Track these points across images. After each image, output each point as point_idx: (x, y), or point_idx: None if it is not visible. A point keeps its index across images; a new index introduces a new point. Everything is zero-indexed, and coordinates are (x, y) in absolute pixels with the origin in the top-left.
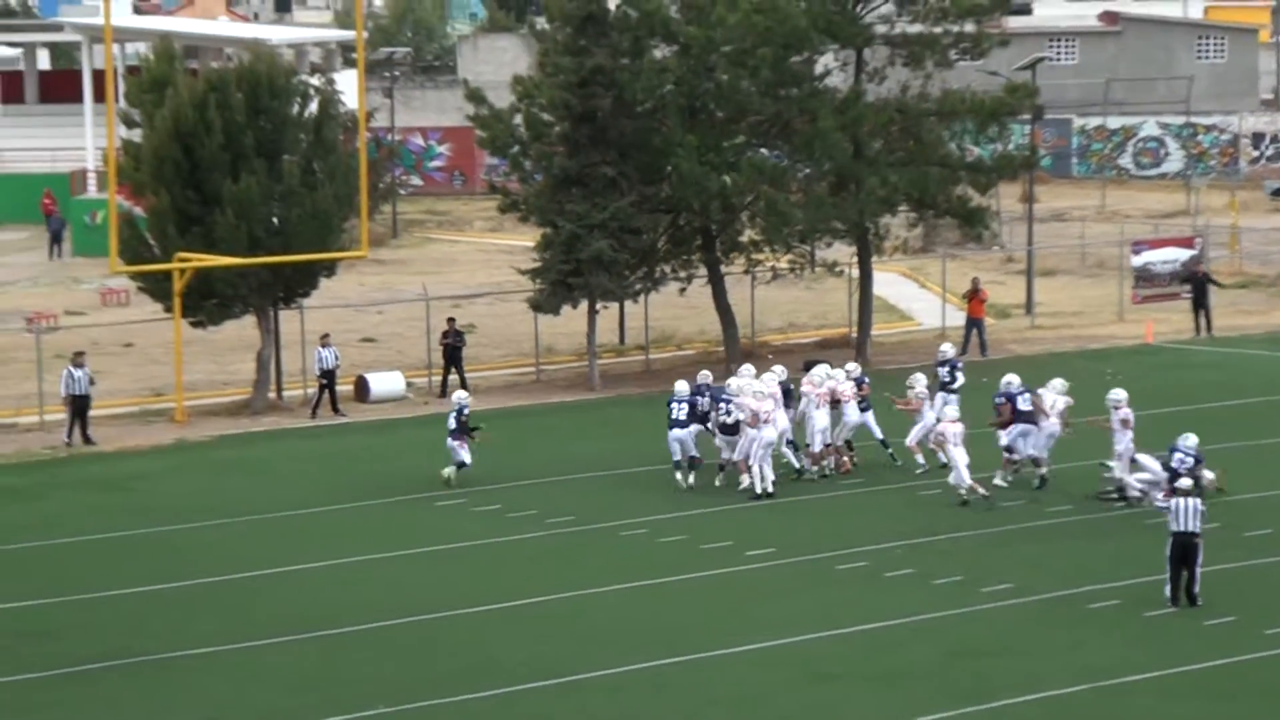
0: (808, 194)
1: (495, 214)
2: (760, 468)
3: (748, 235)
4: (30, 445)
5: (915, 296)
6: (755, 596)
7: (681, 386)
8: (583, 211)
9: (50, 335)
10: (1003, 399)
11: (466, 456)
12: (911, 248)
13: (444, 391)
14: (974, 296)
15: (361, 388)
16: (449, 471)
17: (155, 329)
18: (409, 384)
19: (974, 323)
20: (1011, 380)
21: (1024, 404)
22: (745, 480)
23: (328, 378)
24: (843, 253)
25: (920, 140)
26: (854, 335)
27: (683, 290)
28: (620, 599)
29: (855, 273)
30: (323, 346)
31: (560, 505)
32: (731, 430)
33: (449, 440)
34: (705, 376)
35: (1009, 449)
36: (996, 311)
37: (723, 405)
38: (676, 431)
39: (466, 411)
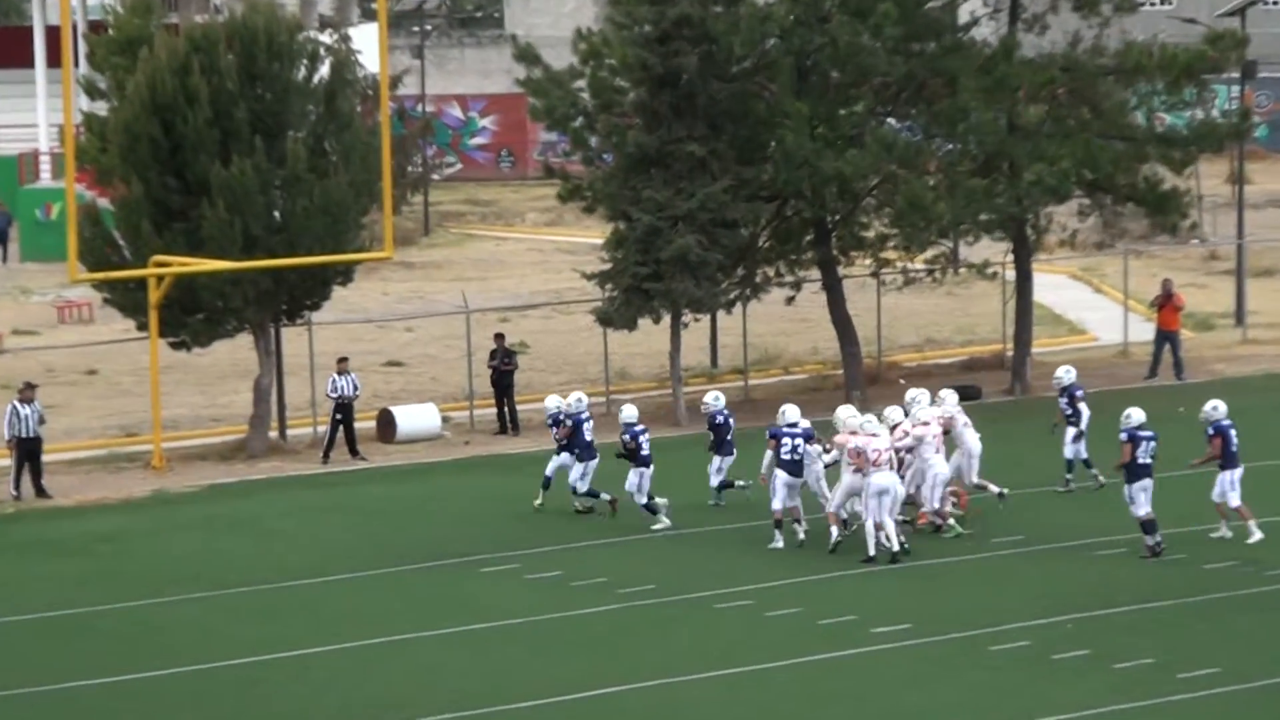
0: (950, 177)
1: (553, 204)
2: (885, 522)
3: (873, 229)
4: None
5: (1089, 304)
6: (890, 684)
7: (792, 412)
8: (664, 200)
9: None
10: (1214, 432)
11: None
12: (1084, 243)
13: (502, 427)
14: (1166, 303)
15: (386, 424)
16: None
17: (126, 352)
18: (445, 419)
19: (1166, 336)
20: (1218, 407)
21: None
22: (835, 534)
23: (344, 412)
24: (994, 250)
25: (1094, 107)
26: (1009, 354)
27: (790, 299)
28: (719, 691)
29: (1010, 275)
30: (339, 374)
31: (637, 571)
32: (796, 470)
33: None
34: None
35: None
36: (1195, 322)
37: (786, 441)
38: (785, 476)
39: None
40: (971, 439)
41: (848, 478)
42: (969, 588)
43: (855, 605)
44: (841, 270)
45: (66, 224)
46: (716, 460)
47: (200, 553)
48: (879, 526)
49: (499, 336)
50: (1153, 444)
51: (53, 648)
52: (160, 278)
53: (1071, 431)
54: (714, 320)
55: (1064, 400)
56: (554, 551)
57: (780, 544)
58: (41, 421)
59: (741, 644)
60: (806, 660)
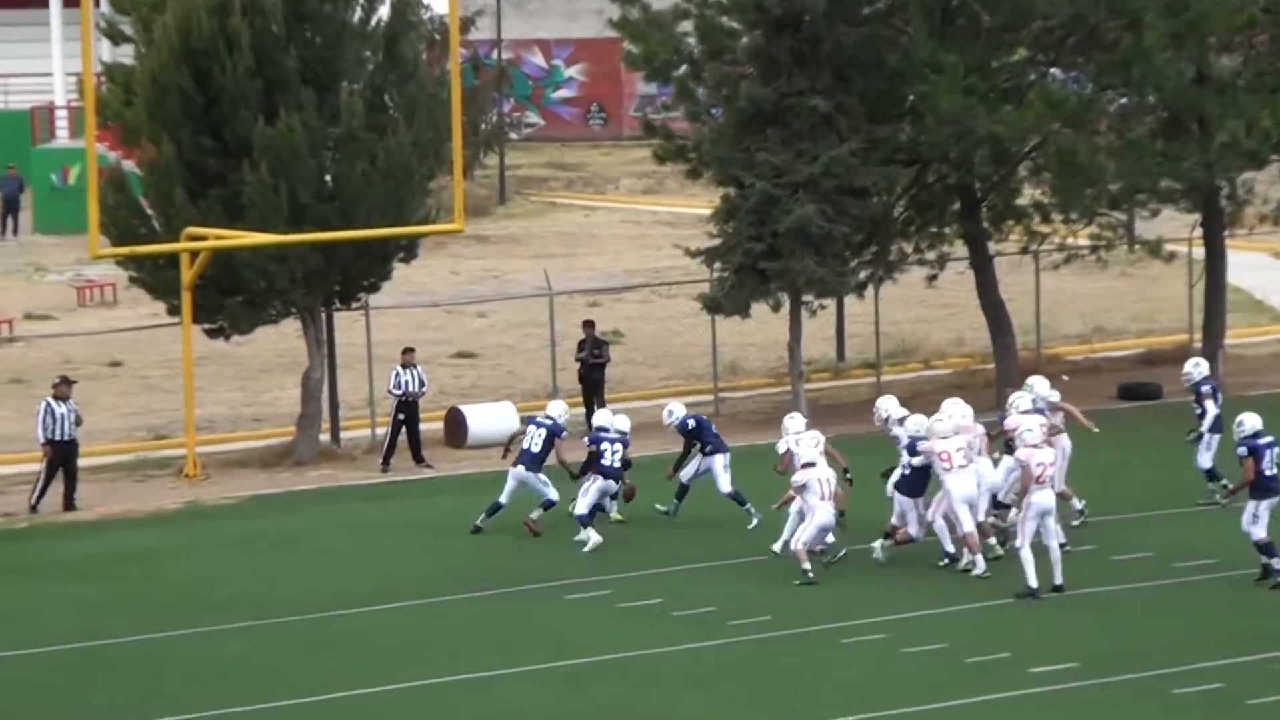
0: (1125, 138)
1: (651, 168)
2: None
3: (1030, 197)
4: None
5: None
6: None
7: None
8: (782, 163)
9: (3, 349)
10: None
11: (553, 493)
12: None
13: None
14: None
15: (455, 426)
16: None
17: (155, 340)
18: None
19: None
20: (1242, 423)
21: None
22: (967, 559)
23: (407, 411)
24: (1177, 224)
25: None
26: (1197, 346)
27: (932, 279)
28: None
29: (1199, 253)
30: (403, 366)
31: (749, 599)
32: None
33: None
34: (888, 405)
35: None
36: None
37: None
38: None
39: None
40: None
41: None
42: (1140, 620)
43: (1008, 641)
44: (993, 246)
45: (86, 190)
46: (720, 459)
47: (241, 575)
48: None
49: (588, 324)
50: (1275, 450)
51: (71, 685)
52: (194, 253)
53: (1204, 438)
54: (840, 305)
55: (1194, 399)
56: (652, 576)
57: (880, 554)
58: (78, 422)
59: (874, 685)
60: (953, 705)
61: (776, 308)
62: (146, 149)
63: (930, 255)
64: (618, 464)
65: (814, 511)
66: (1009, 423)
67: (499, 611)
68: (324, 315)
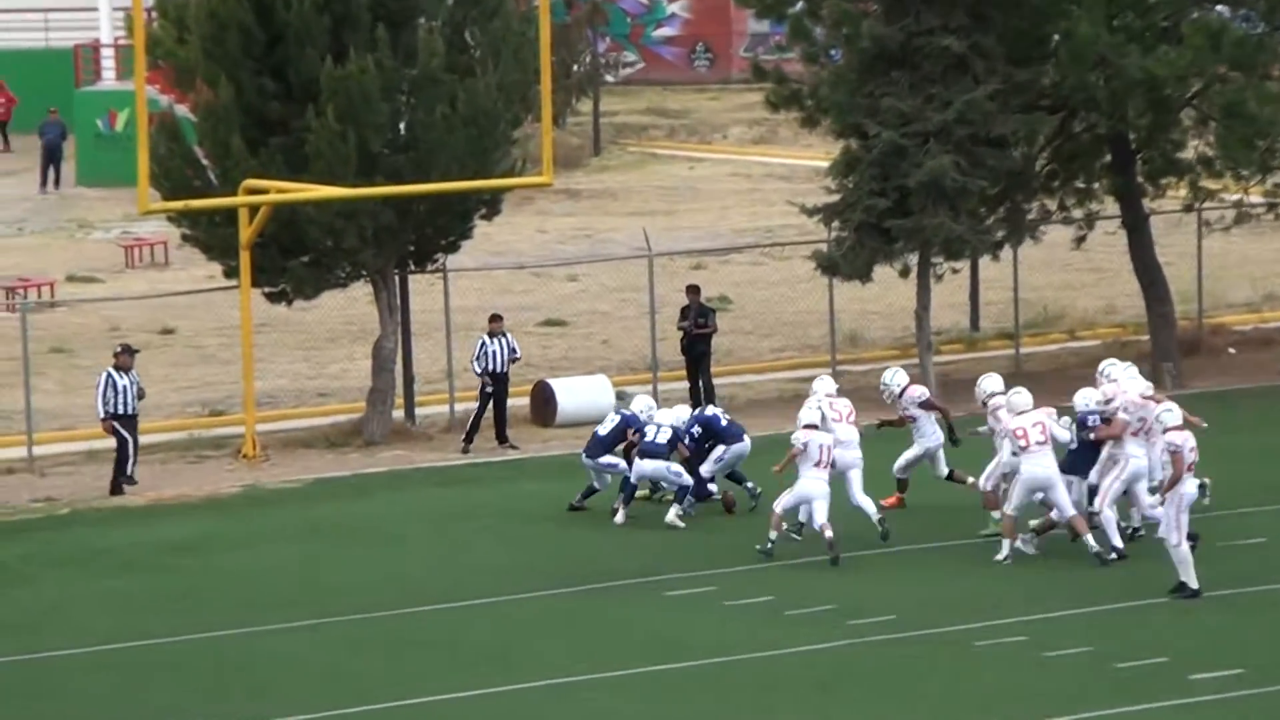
0: None
1: (763, 115)
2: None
3: (1192, 150)
4: (11, 494)
5: None
6: None
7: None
8: (910, 110)
9: (42, 315)
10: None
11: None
12: None
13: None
14: None
15: (544, 403)
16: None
17: (210, 305)
18: (620, 396)
19: None
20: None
21: None
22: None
23: (497, 386)
24: None
25: None
26: None
27: (1079, 241)
28: None
29: None
30: (489, 335)
31: (870, 596)
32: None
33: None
34: (990, 384)
35: None
36: None
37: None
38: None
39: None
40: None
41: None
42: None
43: (1164, 644)
44: (1148, 204)
45: (134, 138)
46: (720, 449)
47: (303, 568)
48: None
49: (693, 289)
50: None
51: (119, 688)
52: (254, 208)
53: None
54: (975, 269)
55: None
56: (760, 571)
57: (1007, 555)
58: (140, 395)
59: (1011, 693)
60: (1101, 716)
61: (905, 272)
62: (202, 92)
63: (1077, 213)
64: (662, 441)
65: (800, 480)
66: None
67: (590, 610)
68: (397, 278)
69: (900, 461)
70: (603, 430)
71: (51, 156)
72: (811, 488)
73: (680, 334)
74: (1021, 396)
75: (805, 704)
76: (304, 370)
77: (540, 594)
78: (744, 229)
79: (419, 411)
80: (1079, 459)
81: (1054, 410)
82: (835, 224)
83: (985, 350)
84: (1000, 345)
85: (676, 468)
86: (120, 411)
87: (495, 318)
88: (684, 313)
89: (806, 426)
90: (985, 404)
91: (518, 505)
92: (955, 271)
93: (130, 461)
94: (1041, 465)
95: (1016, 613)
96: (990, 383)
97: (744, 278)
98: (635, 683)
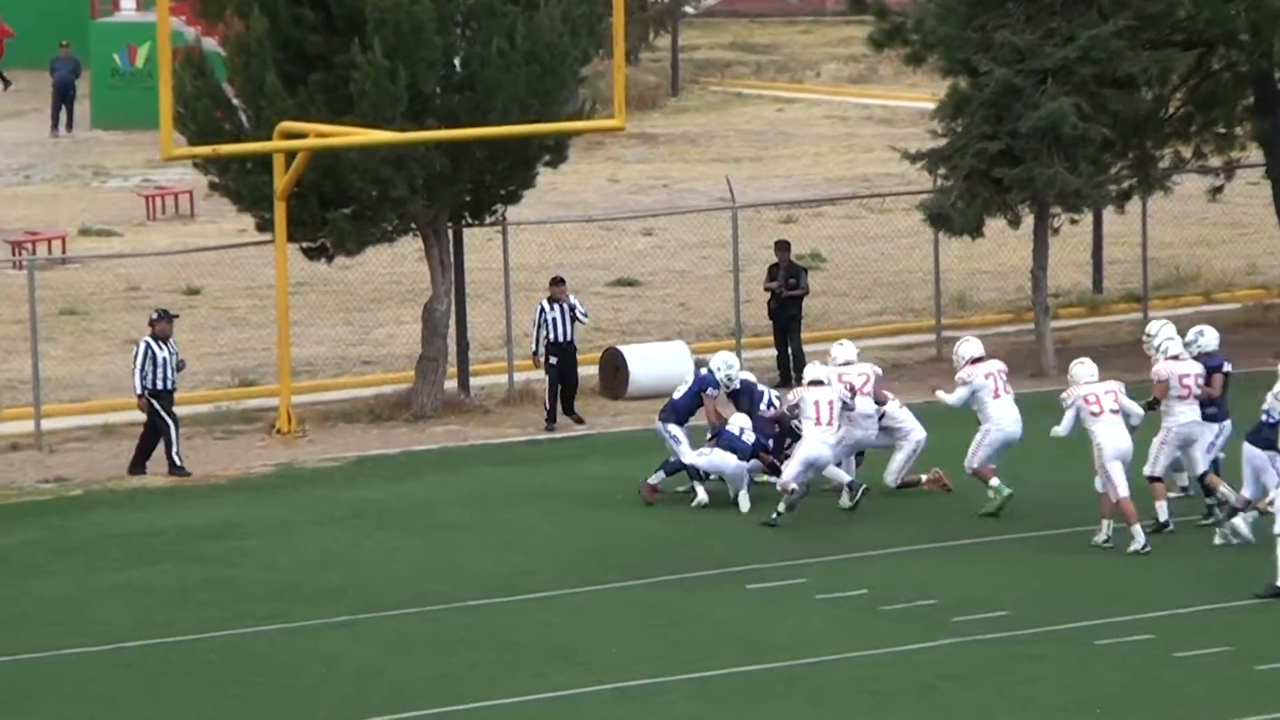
0: None
1: (862, 51)
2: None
3: None
4: (18, 473)
5: None
6: None
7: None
8: (1027, 45)
9: (52, 273)
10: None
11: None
12: None
13: (784, 376)
14: None
15: (613, 372)
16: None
17: (241, 262)
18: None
19: None
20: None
21: None
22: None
23: (560, 356)
24: None
25: None
26: None
27: (1216, 191)
28: None
29: None
30: (550, 301)
31: (978, 589)
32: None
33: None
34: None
35: None
36: None
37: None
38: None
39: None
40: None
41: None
42: None
43: None
44: None
45: (156, 75)
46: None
47: (344, 557)
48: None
49: (782, 246)
50: None
51: (140, 690)
52: (290, 154)
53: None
54: (1098, 223)
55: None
56: (855, 561)
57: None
58: (181, 367)
59: (1139, 699)
60: None
61: (1016, 224)
62: (232, 23)
63: (1214, 161)
64: (748, 441)
65: (802, 441)
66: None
67: (664, 604)
68: (450, 232)
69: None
70: (678, 394)
71: (63, 96)
72: (814, 449)
73: (768, 296)
74: (1085, 367)
75: (908, 710)
76: (346, 335)
77: (608, 586)
78: (839, 178)
79: (474, 382)
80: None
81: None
82: (941, 172)
83: (1109, 314)
84: (1126, 309)
85: (677, 434)
86: (160, 387)
87: (557, 281)
88: (772, 272)
89: (811, 383)
90: (1154, 351)
91: (584, 487)
92: (1074, 223)
93: (176, 445)
94: (1119, 434)
95: (1142, 608)
96: (967, 347)
97: (839, 232)
98: (715, 685)
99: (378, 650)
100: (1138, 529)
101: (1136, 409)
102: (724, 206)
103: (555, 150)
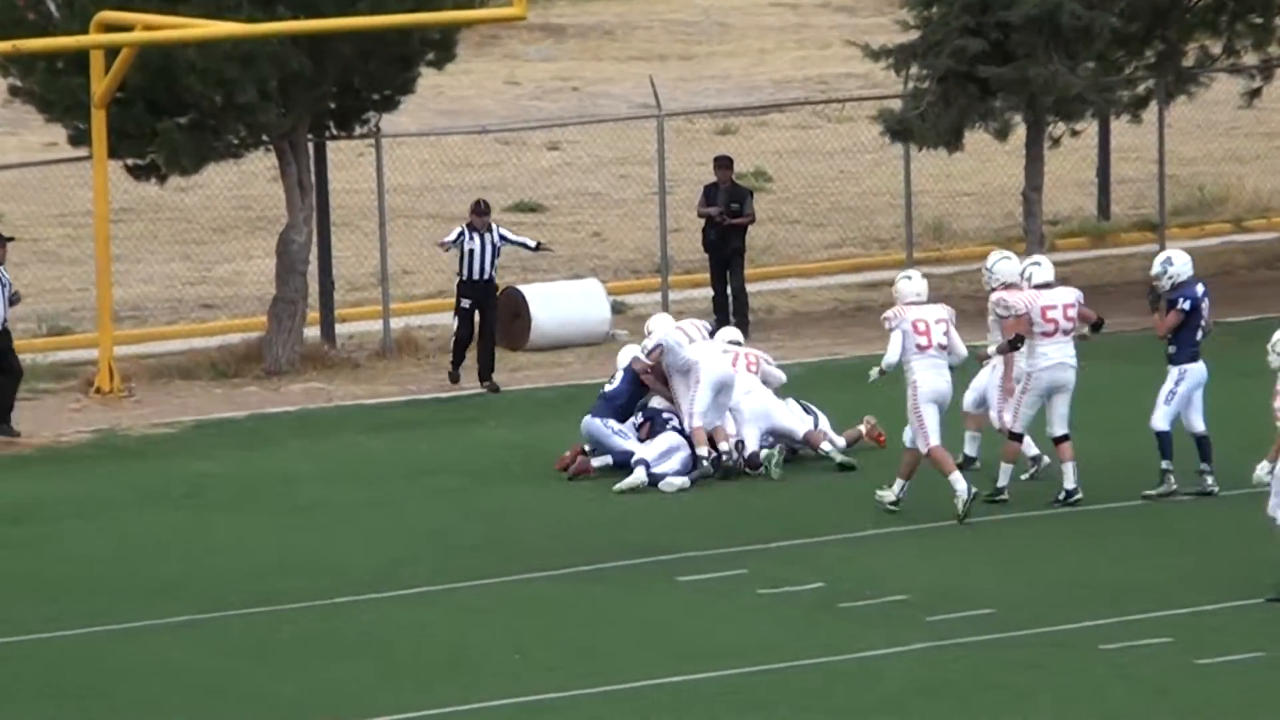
0: None
1: None
2: None
3: None
4: None
5: None
6: None
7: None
8: None
9: None
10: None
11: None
12: None
13: (724, 320)
14: None
15: (513, 318)
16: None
17: (50, 185)
18: (618, 309)
19: None
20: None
21: None
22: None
23: (475, 297)
24: None
25: None
26: None
27: (1252, 96)
28: None
29: None
30: (470, 229)
31: (956, 583)
32: None
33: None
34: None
35: None
36: None
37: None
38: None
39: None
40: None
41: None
42: None
43: None
44: None
45: None
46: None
47: (184, 544)
48: None
49: (723, 163)
50: None
51: None
52: (112, 51)
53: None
54: (1104, 135)
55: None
56: (806, 548)
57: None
58: (14, 300)
59: (1154, 712)
60: None
61: (1004, 135)
62: None
63: (1249, 59)
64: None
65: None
66: None
67: (576, 601)
68: (312, 147)
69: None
70: (610, 385)
71: None
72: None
73: (704, 224)
74: (912, 283)
75: None
76: (182, 273)
77: (507, 579)
78: (788, 79)
79: (340, 329)
80: None
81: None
82: (913, 72)
83: (1117, 245)
84: (1138, 239)
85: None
86: None
87: (480, 208)
88: (709, 194)
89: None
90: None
91: (477, 459)
92: (1075, 134)
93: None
94: (940, 374)
95: (1155, 605)
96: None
97: (788, 146)
98: (639, 700)
99: (223, 658)
100: (957, 479)
101: (961, 347)
102: (647, 114)
103: (440, 46)
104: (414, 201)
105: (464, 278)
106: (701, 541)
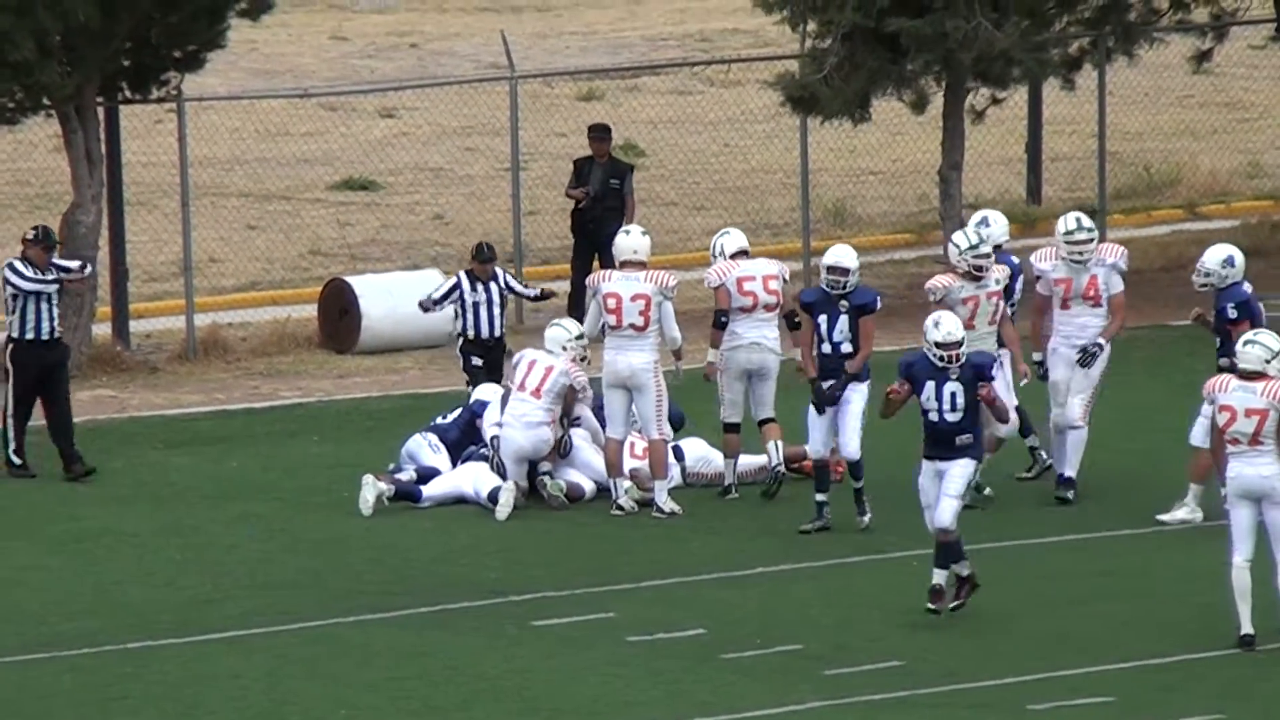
0: None
1: None
2: None
3: None
4: None
5: None
6: None
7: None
8: None
9: None
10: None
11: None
12: None
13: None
14: None
15: (341, 314)
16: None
17: None
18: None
19: None
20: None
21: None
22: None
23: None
24: None
25: None
26: None
27: (1201, 59)
28: None
29: None
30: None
31: (858, 630)
32: None
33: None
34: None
35: None
36: None
37: None
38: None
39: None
40: None
41: None
42: None
43: None
44: None
45: None
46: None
47: None
48: None
49: (599, 134)
50: None
51: None
52: None
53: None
54: (1035, 104)
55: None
56: (683, 587)
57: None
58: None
59: None
60: None
61: (921, 107)
62: None
63: (1199, 15)
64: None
65: None
66: None
67: (414, 649)
68: (102, 113)
69: None
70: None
71: None
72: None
73: (572, 204)
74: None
75: None
76: None
77: (331, 622)
78: (664, 36)
79: (135, 326)
80: None
81: None
82: (811, 28)
83: (1049, 233)
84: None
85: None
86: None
87: (483, 253)
88: (579, 172)
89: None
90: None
91: (297, 480)
92: (998, 102)
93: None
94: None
95: (1094, 657)
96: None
97: (664, 115)
98: None
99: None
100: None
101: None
102: (498, 76)
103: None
104: (223, 177)
105: (469, 337)
106: (561, 580)
